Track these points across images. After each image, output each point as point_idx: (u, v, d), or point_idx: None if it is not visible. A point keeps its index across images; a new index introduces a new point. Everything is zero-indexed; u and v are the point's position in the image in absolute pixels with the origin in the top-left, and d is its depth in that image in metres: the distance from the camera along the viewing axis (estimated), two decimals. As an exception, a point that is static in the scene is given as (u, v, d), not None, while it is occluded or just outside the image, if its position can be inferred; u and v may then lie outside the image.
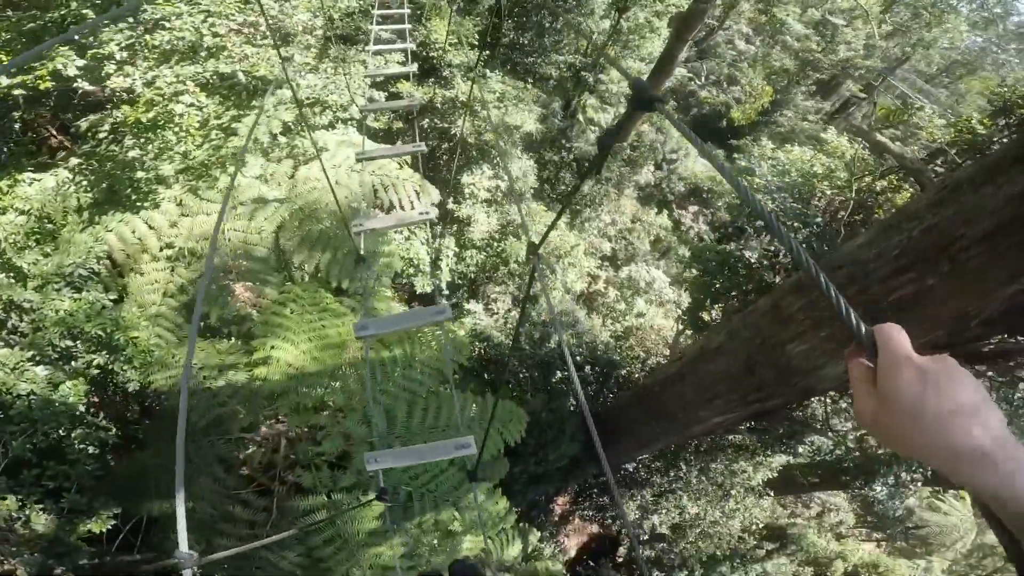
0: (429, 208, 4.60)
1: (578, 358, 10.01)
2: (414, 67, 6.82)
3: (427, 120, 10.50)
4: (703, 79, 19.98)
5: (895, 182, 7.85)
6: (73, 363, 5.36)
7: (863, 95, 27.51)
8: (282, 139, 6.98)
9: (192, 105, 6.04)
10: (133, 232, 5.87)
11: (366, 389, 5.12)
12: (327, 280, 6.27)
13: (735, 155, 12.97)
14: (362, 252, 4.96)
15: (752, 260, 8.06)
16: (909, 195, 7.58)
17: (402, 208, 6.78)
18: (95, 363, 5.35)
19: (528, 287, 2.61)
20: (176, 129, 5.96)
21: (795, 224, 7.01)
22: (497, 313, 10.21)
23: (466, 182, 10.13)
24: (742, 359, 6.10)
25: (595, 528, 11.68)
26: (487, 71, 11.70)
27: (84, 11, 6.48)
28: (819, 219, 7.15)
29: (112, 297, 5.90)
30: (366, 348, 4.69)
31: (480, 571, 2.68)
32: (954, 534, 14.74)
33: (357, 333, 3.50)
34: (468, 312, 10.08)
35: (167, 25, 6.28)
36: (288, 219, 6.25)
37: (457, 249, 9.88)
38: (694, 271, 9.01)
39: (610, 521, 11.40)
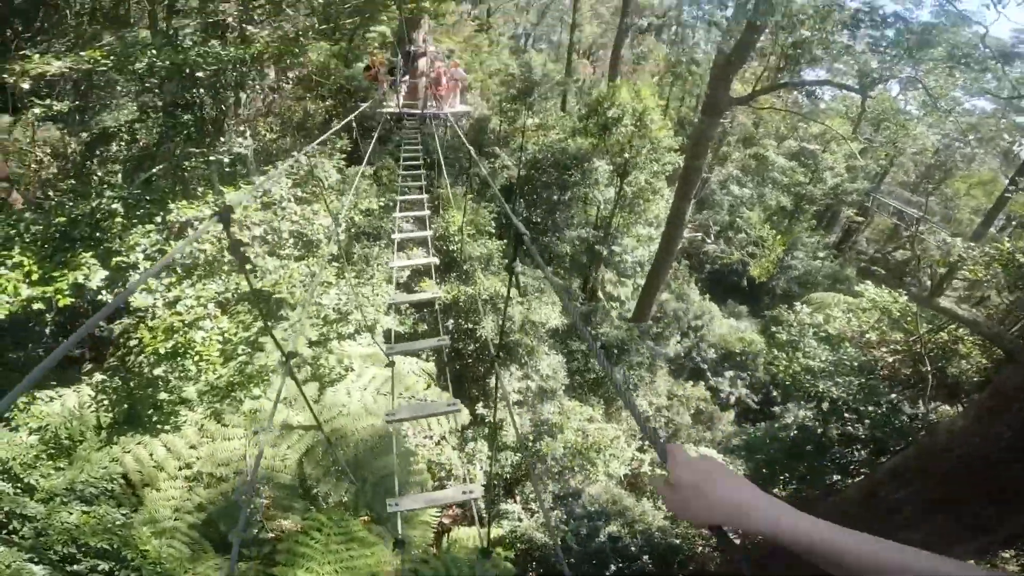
0: (456, 402, 4.10)
1: (633, 548, 8.90)
2: (436, 259, 6.69)
3: (451, 321, 10.30)
4: (712, 236, 20.19)
5: (961, 337, 7.24)
6: (75, 566, 4.86)
7: (860, 218, 27.75)
8: (306, 352, 6.65)
9: (212, 330, 5.71)
10: (151, 455, 5.56)
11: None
12: (355, 508, 5.65)
13: (773, 328, 12.51)
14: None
15: (819, 431, 7.28)
16: (979, 351, 7.00)
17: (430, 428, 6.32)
18: (99, 568, 4.84)
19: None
20: (196, 358, 5.58)
21: (868, 408, 6.37)
22: (537, 512, 9.25)
23: (495, 385, 9.71)
24: None
25: None
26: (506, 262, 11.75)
27: (114, 206, 6.33)
28: (893, 396, 6.53)
29: (124, 512, 5.35)
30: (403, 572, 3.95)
31: None
32: None
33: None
34: (506, 513, 9.14)
35: (189, 234, 6.13)
36: (314, 447, 5.78)
37: (490, 453, 9.20)
38: (753, 461, 8.20)
39: None
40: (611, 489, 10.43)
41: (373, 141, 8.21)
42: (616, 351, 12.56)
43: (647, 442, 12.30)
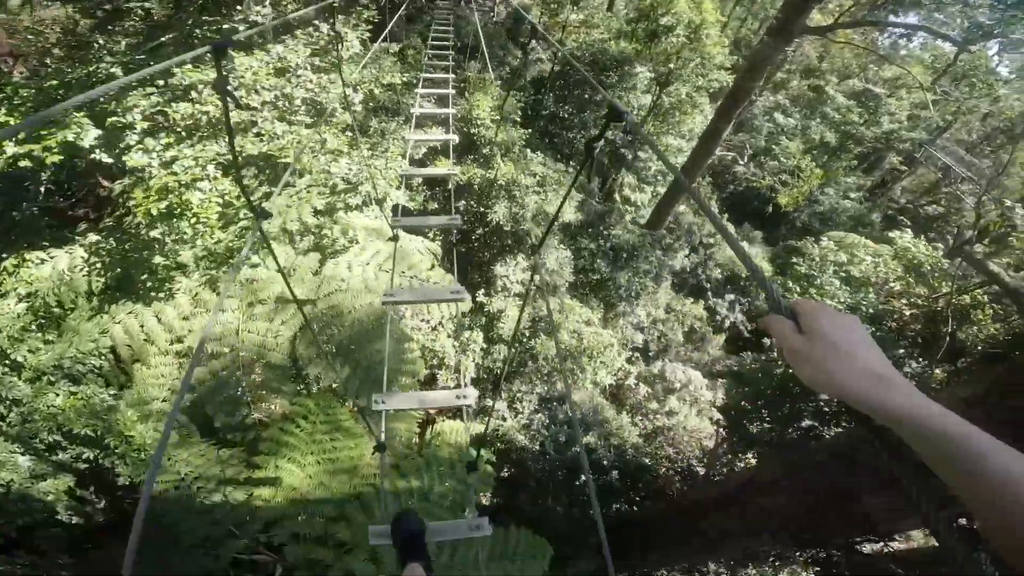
0: (461, 289, 3.91)
1: (605, 462, 9.18)
2: (455, 137, 6.28)
3: (463, 202, 9.94)
4: (745, 157, 19.27)
5: (983, 304, 6.97)
6: (59, 455, 4.98)
7: (903, 167, 26.57)
8: (310, 220, 6.37)
9: (211, 191, 5.40)
10: (142, 326, 5.35)
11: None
12: (344, 396, 5.63)
13: (794, 259, 12.08)
14: (384, 382, 4.27)
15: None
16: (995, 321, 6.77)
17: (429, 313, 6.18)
18: (83, 457, 4.96)
19: (526, 301, 2.63)
20: (193, 220, 5.28)
21: None
22: (522, 413, 9.40)
23: (499, 273, 9.43)
24: (806, 502, 5.54)
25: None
26: (528, 151, 11.19)
27: (114, 70, 6.01)
28: (901, 352, 6.36)
29: (112, 392, 5.35)
30: (381, 474, 3.96)
31: (422, 527, 2.58)
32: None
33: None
34: (492, 410, 9.32)
35: (192, 96, 5.72)
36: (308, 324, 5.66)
37: (485, 345, 9.15)
38: (739, 391, 8.17)
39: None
40: (595, 398, 10.60)
41: (399, 14, 7.48)
42: (625, 255, 12.27)
43: (646, 351, 12.43)
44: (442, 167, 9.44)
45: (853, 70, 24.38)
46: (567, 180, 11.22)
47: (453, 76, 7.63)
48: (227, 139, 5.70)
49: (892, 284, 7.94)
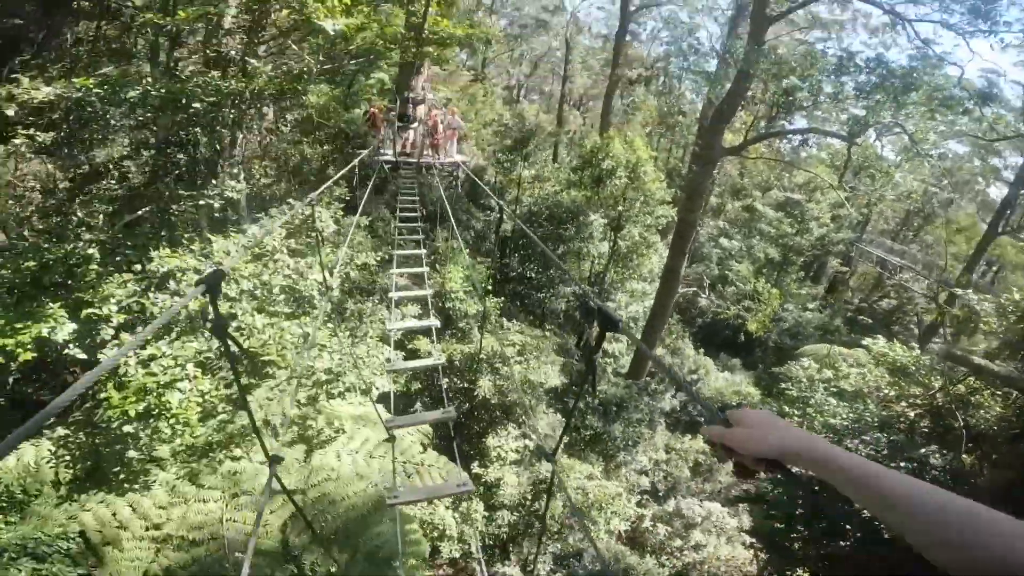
0: (466, 480, 3.61)
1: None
2: (437, 322, 6.15)
3: (446, 380, 9.84)
4: (706, 290, 20.02)
5: (979, 388, 6.88)
6: None
7: (844, 268, 27.86)
8: (292, 412, 6.03)
9: (190, 391, 5.13)
10: (114, 515, 4.82)
11: None
12: None
13: (782, 384, 12.18)
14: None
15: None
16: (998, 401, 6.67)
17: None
18: None
19: (546, 507, 2.90)
20: (172, 421, 4.98)
21: (901, 464, 5.93)
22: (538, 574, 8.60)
23: (492, 444, 9.32)
24: None
25: None
26: (504, 320, 11.41)
27: (90, 251, 5.88)
28: (923, 451, 6.11)
29: (81, 572, 4.66)
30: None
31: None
32: None
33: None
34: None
35: (170, 286, 5.57)
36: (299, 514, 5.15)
37: (487, 513, 8.62)
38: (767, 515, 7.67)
39: None
40: (612, 547, 9.84)
41: (369, 189, 7.84)
42: (615, 408, 12.16)
43: (655, 493, 11.73)
44: (426, 358, 9.44)
45: (772, 182, 26.33)
46: (546, 344, 11.45)
47: (425, 252, 7.77)
48: (208, 336, 5.53)
49: (885, 391, 7.86)
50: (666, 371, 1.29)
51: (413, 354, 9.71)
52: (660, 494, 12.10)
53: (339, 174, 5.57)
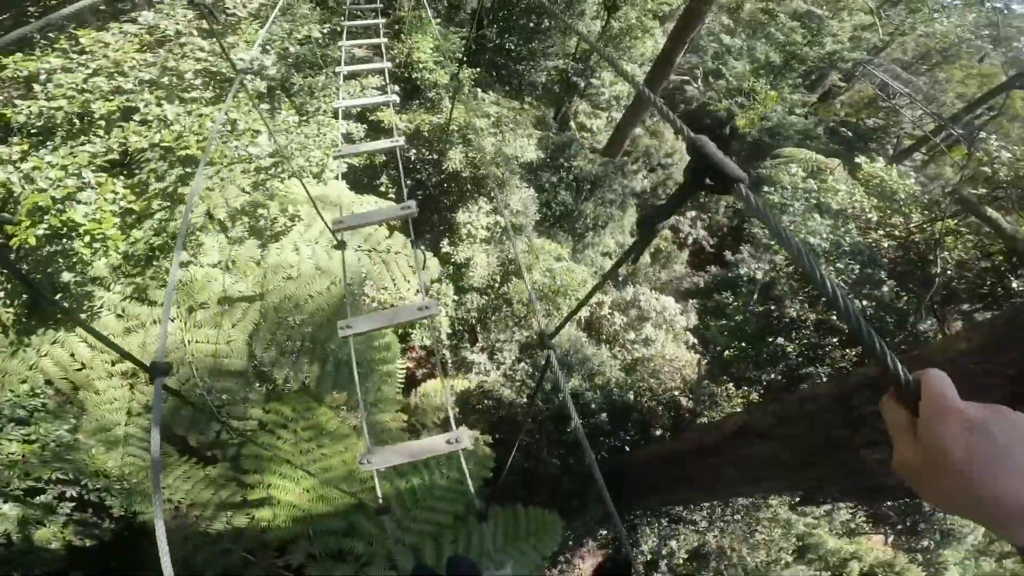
0: (430, 303, 3.41)
1: (593, 405, 8.92)
2: (395, 97, 5.41)
3: (414, 152, 9.11)
4: (698, 80, 18.79)
5: (958, 230, 6.66)
6: (41, 497, 4.51)
7: (843, 83, 26.74)
8: (240, 200, 5.35)
9: (98, 200, 4.29)
10: (72, 355, 4.53)
11: (386, 530, 4.34)
12: (319, 396, 5.02)
13: (764, 188, 11.70)
14: (354, 361, 3.71)
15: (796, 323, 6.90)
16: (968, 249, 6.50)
17: (396, 287, 5.55)
18: (66, 496, 4.54)
19: (540, 379, 2.41)
20: (87, 239, 4.22)
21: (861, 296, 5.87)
22: (504, 363, 8.97)
23: (462, 221, 8.77)
24: (798, 452, 5.19)
25: (610, 551, 10.70)
26: (479, 91, 10.30)
27: None
28: (887, 287, 6.03)
29: (67, 427, 4.64)
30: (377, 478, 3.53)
31: (477, 570, 2.45)
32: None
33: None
34: (472, 364, 8.85)
35: (36, 88, 4.59)
36: (262, 323, 4.92)
37: (456, 296, 8.59)
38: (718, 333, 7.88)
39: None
40: (572, 335, 10.25)
41: None
42: (589, 186, 11.76)
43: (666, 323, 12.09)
44: (382, 140, 8.55)
45: None
46: (524, 116, 10.45)
47: (384, 21, 6.64)
48: (107, 129, 4.53)
49: (868, 215, 7.52)
50: (671, 120, 0.99)
51: (376, 127, 8.93)
52: (620, 279, 12.37)
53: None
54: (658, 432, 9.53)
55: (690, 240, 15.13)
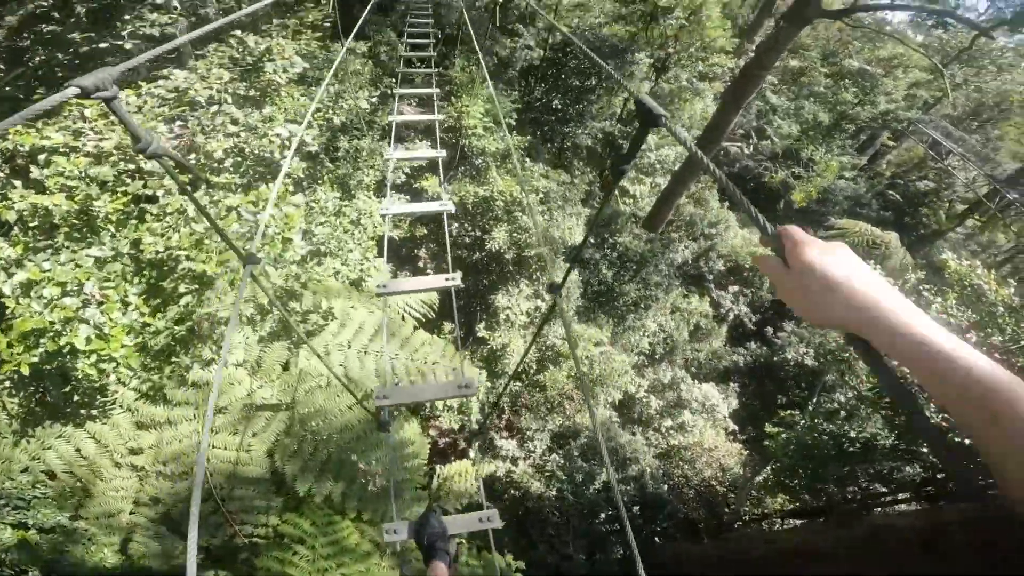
0: (470, 380, 3.07)
1: (625, 498, 8.28)
2: (443, 152, 4.97)
3: (456, 225, 8.70)
4: (750, 147, 18.10)
5: None
6: None
7: (891, 142, 25.69)
8: (277, 280, 4.87)
9: (107, 318, 3.73)
10: (78, 450, 4.13)
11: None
12: (343, 510, 4.54)
13: None
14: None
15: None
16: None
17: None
18: None
19: (540, 325, 2.22)
20: (93, 360, 3.69)
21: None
22: (535, 452, 8.39)
23: (502, 305, 8.24)
24: None
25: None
26: (527, 160, 9.90)
27: None
28: None
29: (68, 515, 4.16)
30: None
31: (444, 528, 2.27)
32: None
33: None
34: (500, 450, 8.30)
35: (34, 174, 4.08)
36: (286, 436, 4.48)
37: (489, 383, 8.08)
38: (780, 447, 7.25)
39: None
40: (603, 416, 9.64)
41: (369, 7, 5.97)
42: (635, 266, 11.15)
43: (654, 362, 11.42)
44: (430, 189, 8.10)
45: (847, 50, 23.11)
46: (573, 193, 9.98)
47: (437, 71, 6.31)
48: (111, 238, 4.01)
49: (960, 322, 6.51)
50: (713, 174, 0.99)
51: (419, 195, 8.58)
52: (656, 356, 11.70)
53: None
54: (699, 525, 8.86)
55: (731, 316, 14.31)
